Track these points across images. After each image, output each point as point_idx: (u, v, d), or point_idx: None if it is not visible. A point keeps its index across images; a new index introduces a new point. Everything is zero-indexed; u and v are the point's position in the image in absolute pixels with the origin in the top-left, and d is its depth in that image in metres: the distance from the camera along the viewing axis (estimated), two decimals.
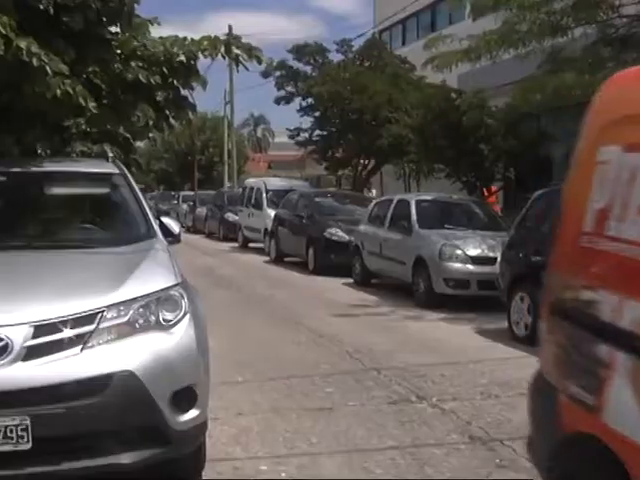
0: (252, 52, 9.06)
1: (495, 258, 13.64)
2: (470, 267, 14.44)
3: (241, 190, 33.20)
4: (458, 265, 14.49)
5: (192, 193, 47.89)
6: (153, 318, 5.05)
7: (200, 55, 9.27)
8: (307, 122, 39.52)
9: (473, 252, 14.58)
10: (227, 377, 8.43)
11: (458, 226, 16.05)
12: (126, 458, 4.79)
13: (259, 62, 9.30)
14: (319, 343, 11.19)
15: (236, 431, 6.94)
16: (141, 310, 5.03)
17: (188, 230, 38.57)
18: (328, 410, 7.70)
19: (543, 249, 11.47)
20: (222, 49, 9.20)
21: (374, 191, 24.12)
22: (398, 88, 33.47)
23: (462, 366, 9.72)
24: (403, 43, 42.54)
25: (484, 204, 19.27)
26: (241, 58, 9.09)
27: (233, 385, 8.44)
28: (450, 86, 23.54)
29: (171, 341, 5.04)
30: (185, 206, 44.35)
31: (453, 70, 17.41)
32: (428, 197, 17.92)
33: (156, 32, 9.65)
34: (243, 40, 9.39)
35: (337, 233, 20.28)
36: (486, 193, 22.94)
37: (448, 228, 15.84)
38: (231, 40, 9.39)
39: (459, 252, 14.57)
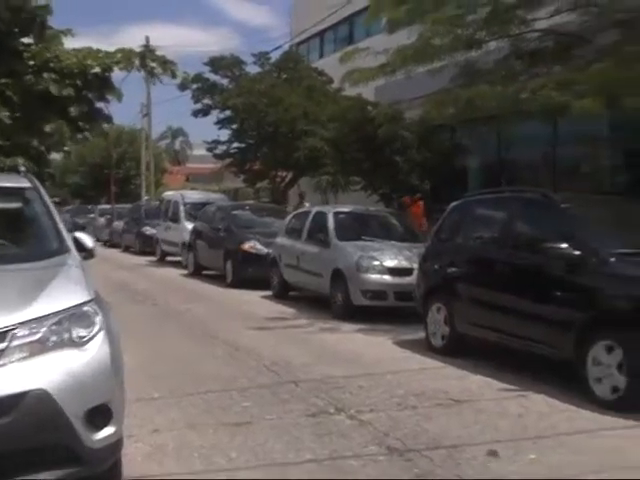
0: (167, 66, 9.05)
1: (412, 269, 13.70)
2: (387, 278, 14.53)
3: (158, 203, 32.98)
4: (375, 276, 14.56)
5: (109, 207, 47.34)
6: (66, 335, 4.97)
7: (115, 67, 9.21)
8: (225, 135, 39.45)
9: (390, 263, 14.68)
10: (143, 393, 8.36)
11: (375, 238, 16.14)
12: (40, 477, 4.71)
13: (173, 76, 9.28)
14: (236, 357, 11.14)
15: (151, 449, 6.85)
16: (54, 327, 4.94)
17: (105, 244, 38.26)
18: (246, 424, 7.65)
19: (458, 260, 11.65)
20: (137, 62, 9.15)
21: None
22: (314, 101, 33.55)
23: (379, 377, 9.76)
24: (321, 56, 42.65)
25: (400, 215, 19.35)
26: (156, 71, 9.06)
27: (149, 401, 8.34)
28: (366, 99, 23.65)
29: (85, 358, 4.97)
30: (102, 220, 43.88)
31: (370, 83, 17.50)
32: (345, 209, 17.94)
33: (70, 44, 9.56)
34: (159, 52, 9.38)
35: (255, 246, 20.23)
36: (409, 202, 22.99)
37: (365, 240, 15.92)
38: (146, 53, 9.35)
39: (376, 263, 14.65)
